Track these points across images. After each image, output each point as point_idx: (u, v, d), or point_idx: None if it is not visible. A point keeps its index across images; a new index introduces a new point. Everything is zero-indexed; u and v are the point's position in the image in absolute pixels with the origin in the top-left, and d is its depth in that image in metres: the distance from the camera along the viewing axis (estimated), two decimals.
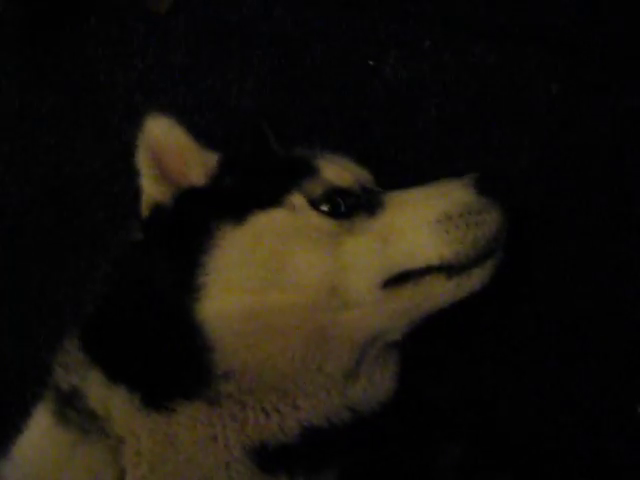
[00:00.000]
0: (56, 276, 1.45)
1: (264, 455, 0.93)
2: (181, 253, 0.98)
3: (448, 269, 1.03)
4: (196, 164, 1.09)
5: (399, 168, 1.38)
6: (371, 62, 1.43)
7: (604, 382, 1.28)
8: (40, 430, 0.96)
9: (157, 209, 1.07)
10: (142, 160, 1.08)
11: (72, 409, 0.93)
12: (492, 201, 1.07)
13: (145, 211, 1.08)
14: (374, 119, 1.41)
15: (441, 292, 1.04)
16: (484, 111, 1.39)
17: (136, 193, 1.10)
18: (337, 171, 1.08)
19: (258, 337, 0.94)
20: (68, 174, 1.48)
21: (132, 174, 1.09)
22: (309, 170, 1.07)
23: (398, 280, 1.02)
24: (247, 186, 1.07)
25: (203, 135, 1.12)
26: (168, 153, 1.07)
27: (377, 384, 1.05)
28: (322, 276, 0.97)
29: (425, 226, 1.03)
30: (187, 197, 1.06)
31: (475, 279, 1.05)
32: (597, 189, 1.32)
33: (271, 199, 1.02)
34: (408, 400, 1.09)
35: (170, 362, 0.93)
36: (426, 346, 1.13)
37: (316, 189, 1.04)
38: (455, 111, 1.40)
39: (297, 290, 0.96)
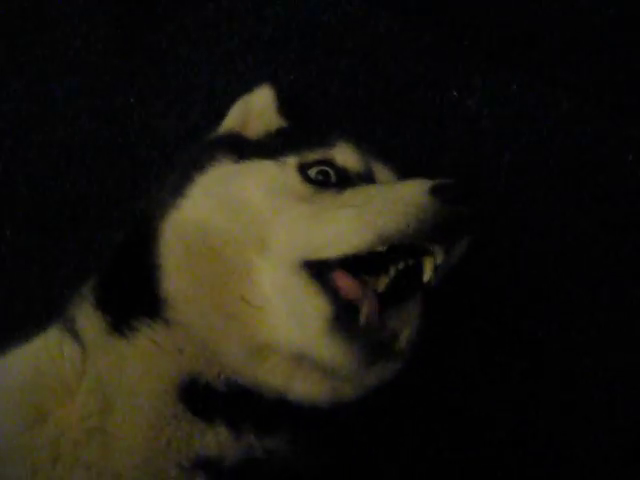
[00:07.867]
0: None
1: (194, 396, 0.96)
2: (184, 174, 1.09)
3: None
4: (262, 125, 1.22)
5: None
6: (455, 93, 1.45)
7: None
8: (44, 338, 1.07)
9: None
10: (234, 110, 1.27)
11: (66, 329, 1.05)
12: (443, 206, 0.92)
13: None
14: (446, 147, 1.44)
15: None
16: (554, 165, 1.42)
17: None
18: (347, 151, 1.09)
19: (194, 259, 1.01)
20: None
21: None
22: (322, 142, 1.10)
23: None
24: (263, 145, 1.16)
25: None
26: (253, 115, 1.25)
27: None
28: (260, 222, 1.00)
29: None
30: (223, 135, 1.23)
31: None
32: None
33: (271, 155, 1.08)
34: None
35: (133, 284, 1.03)
36: None
37: (314, 156, 1.07)
38: (526, 159, 1.42)
39: (237, 222, 1.01)
